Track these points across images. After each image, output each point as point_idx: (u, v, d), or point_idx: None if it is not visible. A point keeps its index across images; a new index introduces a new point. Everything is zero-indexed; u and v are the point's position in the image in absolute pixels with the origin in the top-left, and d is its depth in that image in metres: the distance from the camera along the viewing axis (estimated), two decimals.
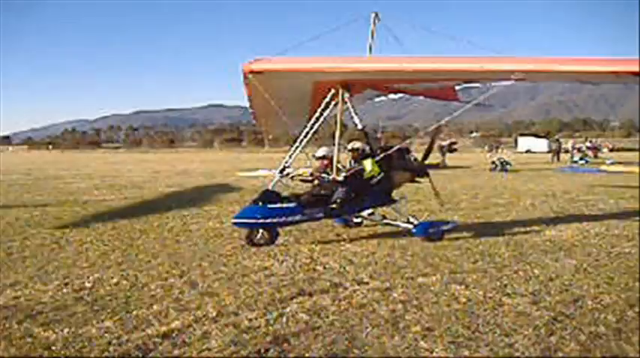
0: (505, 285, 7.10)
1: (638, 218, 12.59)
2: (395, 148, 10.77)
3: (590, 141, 64.54)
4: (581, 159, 41.90)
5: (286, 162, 10.47)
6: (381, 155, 10.40)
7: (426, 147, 11.93)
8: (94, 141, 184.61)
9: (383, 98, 13.36)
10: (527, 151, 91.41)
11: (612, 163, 37.32)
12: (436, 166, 11.96)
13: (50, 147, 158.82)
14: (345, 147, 11.26)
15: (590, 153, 51.30)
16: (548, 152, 67.57)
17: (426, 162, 11.55)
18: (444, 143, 39.95)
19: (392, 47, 11.57)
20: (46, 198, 18.20)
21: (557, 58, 8.71)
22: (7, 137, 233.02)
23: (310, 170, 11.04)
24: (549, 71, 8.68)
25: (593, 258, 8.68)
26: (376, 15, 11.43)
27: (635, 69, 7.49)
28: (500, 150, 43.76)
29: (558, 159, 46.86)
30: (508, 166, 33.56)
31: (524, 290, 6.88)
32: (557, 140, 55.70)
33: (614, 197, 17.30)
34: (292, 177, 10.56)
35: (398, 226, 10.74)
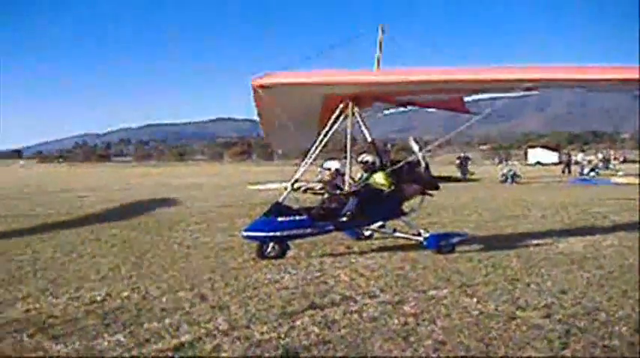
0: (517, 298, 7.04)
1: None
2: (404, 162, 10.75)
3: (601, 153, 64.26)
4: (592, 170, 41.70)
5: (297, 175, 10.48)
6: (391, 168, 10.39)
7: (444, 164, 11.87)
8: (104, 155, 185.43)
9: (392, 110, 13.37)
10: (537, 163, 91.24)
11: (623, 175, 37.16)
12: (447, 179, 11.92)
13: (61, 160, 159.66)
14: (356, 160, 11.27)
15: (601, 164, 51.07)
16: (559, 164, 67.45)
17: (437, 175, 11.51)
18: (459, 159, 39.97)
19: (399, 59, 11.58)
20: (57, 211, 18.25)
21: (564, 66, 8.77)
22: (18, 151, 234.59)
23: (320, 185, 11.07)
24: (556, 79, 8.69)
25: (606, 271, 8.60)
26: (383, 28, 11.44)
27: (636, 76, 7.53)
28: (509, 163, 43.61)
29: (569, 171, 46.74)
30: (518, 178, 33.49)
31: (536, 303, 6.82)
32: (568, 153, 55.61)
33: (626, 209, 17.20)
34: (305, 191, 10.57)
35: (408, 239, 10.70)
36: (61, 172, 68.96)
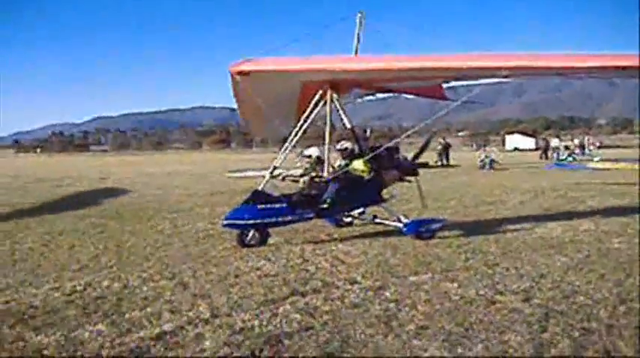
0: (497, 283, 7.11)
1: (638, 214, 12.50)
2: (383, 147, 10.76)
3: (577, 139, 64.77)
4: (569, 156, 42.02)
5: (276, 163, 10.47)
6: (370, 154, 10.39)
7: (418, 147, 11.88)
8: (82, 144, 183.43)
9: (370, 97, 13.37)
10: (515, 149, 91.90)
11: (600, 160, 37.49)
12: (425, 165, 11.97)
13: (38, 150, 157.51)
14: (334, 147, 11.27)
15: (577, 150, 51.47)
16: (536, 150, 67.98)
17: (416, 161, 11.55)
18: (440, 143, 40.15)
19: (378, 46, 11.58)
20: (35, 201, 18.07)
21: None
22: None
23: (299, 172, 11.09)
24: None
25: (583, 255, 8.71)
26: (362, 14, 11.42)
27: (636, 64, 7.59)
28: (488, 149, 43.82)
29: (547, 156, 47.11)
30: (496, 164, 33.70)
31: (516, 287, 6.89)
32: (545, 138, 56.00)
33: (602, 193, 17.40)
34: (283, 178, 10.57)
35: (388, 225, 10.75)
36: (39, 162, 68.18)
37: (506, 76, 8.97)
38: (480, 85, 10.92)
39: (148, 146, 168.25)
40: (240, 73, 9.64)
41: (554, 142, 51.95)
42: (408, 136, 11.44)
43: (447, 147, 40.02)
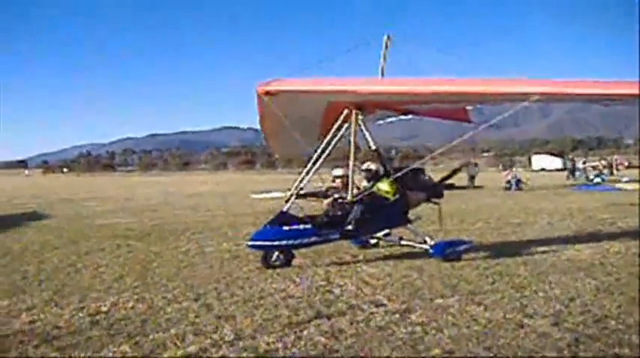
0: (525, 306, 6.98)
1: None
2: (410, 168, 10.70)
3: (605, 159, 64.04)
4: (597, 176, 41.54)
5: (300, 183, 10.46)
6: (396, 175, 10.33)
7: (447, 170, 11.83)
8: (108, 165, 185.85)
9: (394, 118, 13.34)
10: (542, 170, 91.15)
11: (628, 181, 37.04)
12: (451, 187, 11.87)
13: (65, 170, 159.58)
14: (360, 168, 11.23)
15: (606, 171, 50.87)
16: (563, 170, 67.37)
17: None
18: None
19: (403, 68, 11.57)
20: (61, 221, 18.24)
21: (566, 81, 8.95)
22: (23, 161, 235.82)
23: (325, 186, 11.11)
24: (559, 94, 8.93)
25: (614, 278, 8.54)
26: (388, 37, 11.44)
27: (636, 91, 7.68)
28: (514, 169, 43.52)
29: (574, 177, 46.64)
30: (523, 185, 33.40)
31: (544, 310, 6.76)
32: (572, 159, 55.53)
33: (632, 215, 17.12)
34: (305, 195, 10.58)
35: (414, 247, 10.65)
36: (66, 182, 68.99)
37: (534, 101, 9.06)
38: (508, 107, 10.93)
39: (175, 167, 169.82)
40: (267, 93, 9.66)
41: (579, 163, 51.52)
42: (433, 158, 11.41)
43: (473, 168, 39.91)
